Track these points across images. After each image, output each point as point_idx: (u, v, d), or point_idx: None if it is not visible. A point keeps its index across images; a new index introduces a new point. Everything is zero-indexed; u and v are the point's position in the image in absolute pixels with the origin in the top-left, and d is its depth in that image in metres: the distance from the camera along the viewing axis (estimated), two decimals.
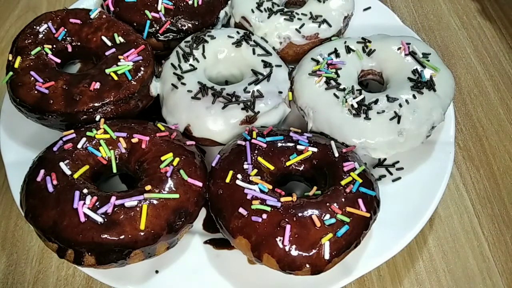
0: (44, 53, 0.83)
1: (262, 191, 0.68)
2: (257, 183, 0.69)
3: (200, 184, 0.71)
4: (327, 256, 0.64)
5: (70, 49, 0.87)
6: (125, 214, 0.65)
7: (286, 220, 0.65)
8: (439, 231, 0.83)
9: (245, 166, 0.71)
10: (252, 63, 0.87)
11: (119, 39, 0.86)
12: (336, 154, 0.74)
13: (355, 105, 0.78)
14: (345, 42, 0.89)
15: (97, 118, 0.79)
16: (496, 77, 1.06)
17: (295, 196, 0.68)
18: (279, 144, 0.75)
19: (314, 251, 0.64)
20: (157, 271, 0.72)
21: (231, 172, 0.71)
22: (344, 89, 0.81)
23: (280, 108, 0.83)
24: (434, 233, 0.83)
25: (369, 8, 1.06)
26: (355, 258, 0.71)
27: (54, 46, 0.85)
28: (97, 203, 0.65)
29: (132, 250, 0.65)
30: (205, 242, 0.76)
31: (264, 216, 0.65)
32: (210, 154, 0.86)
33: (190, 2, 0.94)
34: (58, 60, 0.84)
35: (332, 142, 0.76)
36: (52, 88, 0.78)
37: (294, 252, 0.64)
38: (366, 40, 0.89)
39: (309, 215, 0.65)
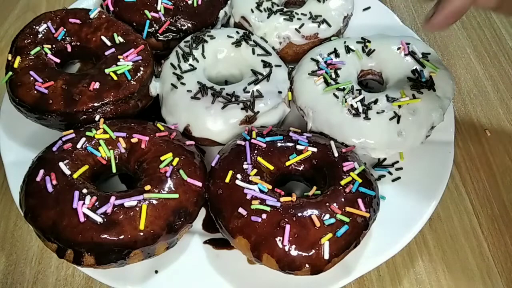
0: (44, 53, 0.83)
1: (261, 191, 0.68)
2: (256, 183, 0.69)
3: (199, 184, 0.71)
4: (326, 256, 0.64)
5: (69, 49, 0.87)
6: (124, 214, 0.65)
7: (286, 220, 0.65)
8: (439, 231, 0.83)
9: (245, 166, 0.71)
10: (251, 63, 0.87)
11: (118, 39, 0.86)
12: (336, 154, 0.74)
13: (355, 105, 0.78)
14: (344, 42, 0.89)
15: (97, 118, 0.79)
16: (496, 77, 1.06)
17: (295, 196, 0.68)
18: (279, 144, 0.75)
19: (313, 251, 0.64)
20: (156, 271, 0.72)
21: (230, 172, 0.71)
22: (343, 89, 0.81)
23: (279, 108, 0.83)
24: (434, 233, 0.83)
25: (369, 8, 1.06)
26: (355, 258, 0.71)
27: (54, 46, 0.85)
28: (97, 203, 0.65)
29: (132, 250, 0.65)
30: (205, 242, 0.76)
31: (264, 216, 0.65)
32: (210, 154, 0.86)
33: (190, 2, 0.94)
34: (58, 60, 0.84)
35: (332, 142, 0.76)
36: (51, 88, 0.78)
37: (294, 252, 0.64)
38: (366, 40, 0.89)
39: (308, 215, 0.65)
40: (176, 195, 0.68)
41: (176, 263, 0.73)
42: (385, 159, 0.83)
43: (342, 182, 0.69)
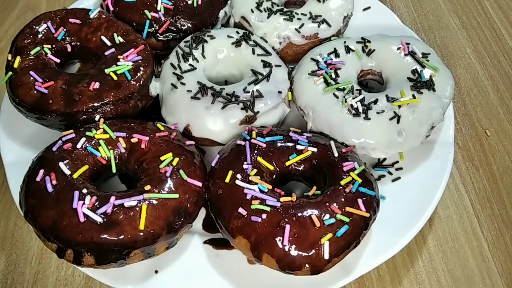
0: (44, 53, 0.83)
1: (261, 191, 0.68)
2: (256, 183, 0.69)
3: (199, 184, 0.71)
4: (326, 256, 0.64)
5: (69, 49, 0.87)
6: (124, 214, 0.65)
7: (286, 220, 0.65)
8: (439, 231, 0.83)
9: (245, 166, 0.71)
10: (251, 63, 0.87)
11: (118, 39, 0.86)
12: (336, 154, 0.74)
13: (355, 105, 0.78)
14: (344, 42, 0.89)
15: (97, 118, 0.79)
16: (496, 77, 1.06)
17: (295, 196, 0.68)
18: (279, 144, 0.75)
19: (313, 251, 0.64)
20: (156, 271, 0.72)
21: (230, 172, 0.71)
22: (343, 89, 0.81)
23: (279, 108, 0.83)
24: (434, 233, 0.83)
25: (369, 8, 1.06)
26: (355, 258, 0.71)
27: (54, 46, 0.85)
28: (97, 203, 0.65)
29: (132, 250, 0.65)
30: (205, 242, 0.76)
31: (264, 216, 0.65)
32: (210, 154, 0.86)
33: (190, 2, 0.94)
34: (58, 60, 0.84)
35: (332, 142, 0.76)
36: (51, 88, 0.78)
37: (294, 252, 0.64)
38: (366, 40, 0.89)
39: (308, 215, 0.65)
40: (176, 195, 0.68)
41: (176, 263, 0.73)
42: (385, 159, 0.83)
43: (342, 182, 0.69)
